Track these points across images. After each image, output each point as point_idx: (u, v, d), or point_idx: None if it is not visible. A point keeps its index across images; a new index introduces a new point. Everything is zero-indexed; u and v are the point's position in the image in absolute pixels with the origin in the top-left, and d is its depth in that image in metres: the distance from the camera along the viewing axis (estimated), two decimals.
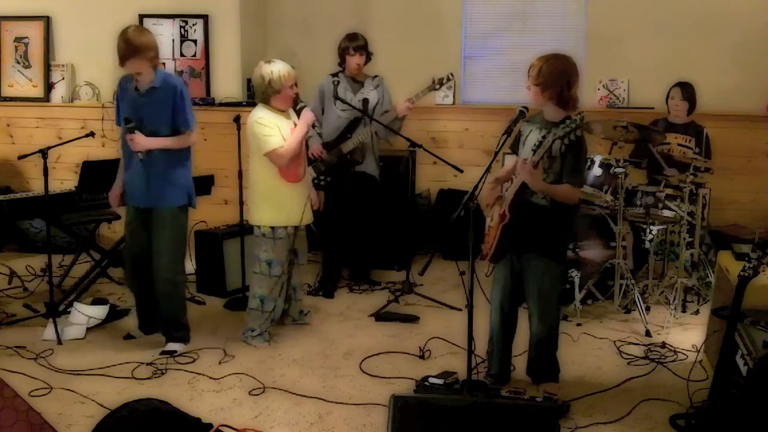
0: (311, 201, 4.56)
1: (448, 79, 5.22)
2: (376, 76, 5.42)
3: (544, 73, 3.42)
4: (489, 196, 3.58)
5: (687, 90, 5.48)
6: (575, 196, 3.52)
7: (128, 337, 4.48)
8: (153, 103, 4.12)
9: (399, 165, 5.94)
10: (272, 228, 4.32)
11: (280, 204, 4.31)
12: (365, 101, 5.29)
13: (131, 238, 4.33)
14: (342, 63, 5.32)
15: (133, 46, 4.01)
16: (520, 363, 3.86)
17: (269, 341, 4.43)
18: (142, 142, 4.10)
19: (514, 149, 3.64)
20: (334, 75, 5.36)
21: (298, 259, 4.58)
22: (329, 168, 5.27)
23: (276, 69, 4.23)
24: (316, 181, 5.17)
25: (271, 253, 4.35)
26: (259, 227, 4.36)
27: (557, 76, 3.41)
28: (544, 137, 3.39)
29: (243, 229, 5.07)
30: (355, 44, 5.24)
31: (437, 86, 5.22)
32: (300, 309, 4.74)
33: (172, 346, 4.29)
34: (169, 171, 4.19)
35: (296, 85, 4.33)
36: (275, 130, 4.23)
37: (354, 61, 5.26)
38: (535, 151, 3.39)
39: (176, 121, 4.19)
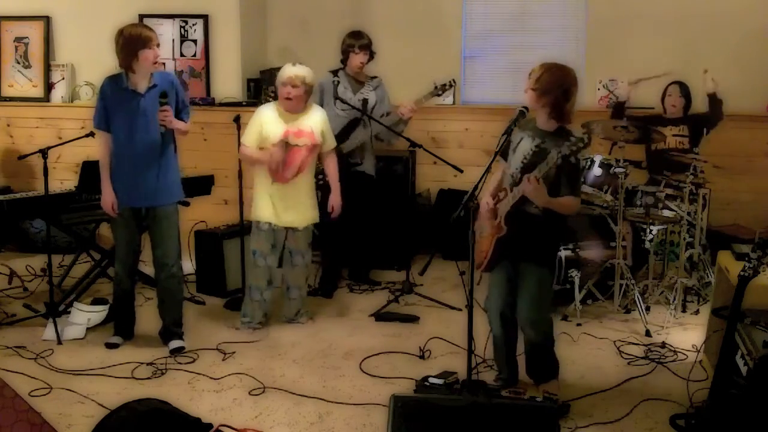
0: (330, 204, 4.72)
1: (451, 85, 5.25)
2: (375, 77, 5.41)
3: (543, 80, 3.42)
4: (486, 213, 3.59)
5: (684, 88, 5.53)
6: (576, 206, 3.52)
7: (111, 345, 4.32)
8: (158, 100, 4.10)
9: (399, 165, 5.93)
10: (257, 220, 4.52)
11: (262, 199, 4.50)
12: (364, 101, 5.27)
13: (128, 241, 4.27)
14: (344, 61, 5.29)
15: (144, 37, 4.02)
16: (519, 363, 3.83)
17: (257, 329, 4.58)
18: (172, 118, 4.13)
19: (504, 156, 3.61)
20: (335, 73, 5.34)
21: (293, 259, 4.61)
22: None
23: (282, 70, 4.44)
24: (317, 182, 5.14)
25: (255, 244, 4.56)
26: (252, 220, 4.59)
27: (555, 84, 3.41)
28: (537, 146, 3.40)
29: (243, 229, 5.07)
30: (360, 42, 5.22)
31: (440, 92, 5.24)
32: (297, 310, 4.74)
33: (179, 343, 4.30)
34: (173, 166, 4.23)
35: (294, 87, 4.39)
36: (256, 127, 4.44)
37: (358, 59, 5.24)
38: (527, 159, 3.41)
39: (181, 112, 4.25)
